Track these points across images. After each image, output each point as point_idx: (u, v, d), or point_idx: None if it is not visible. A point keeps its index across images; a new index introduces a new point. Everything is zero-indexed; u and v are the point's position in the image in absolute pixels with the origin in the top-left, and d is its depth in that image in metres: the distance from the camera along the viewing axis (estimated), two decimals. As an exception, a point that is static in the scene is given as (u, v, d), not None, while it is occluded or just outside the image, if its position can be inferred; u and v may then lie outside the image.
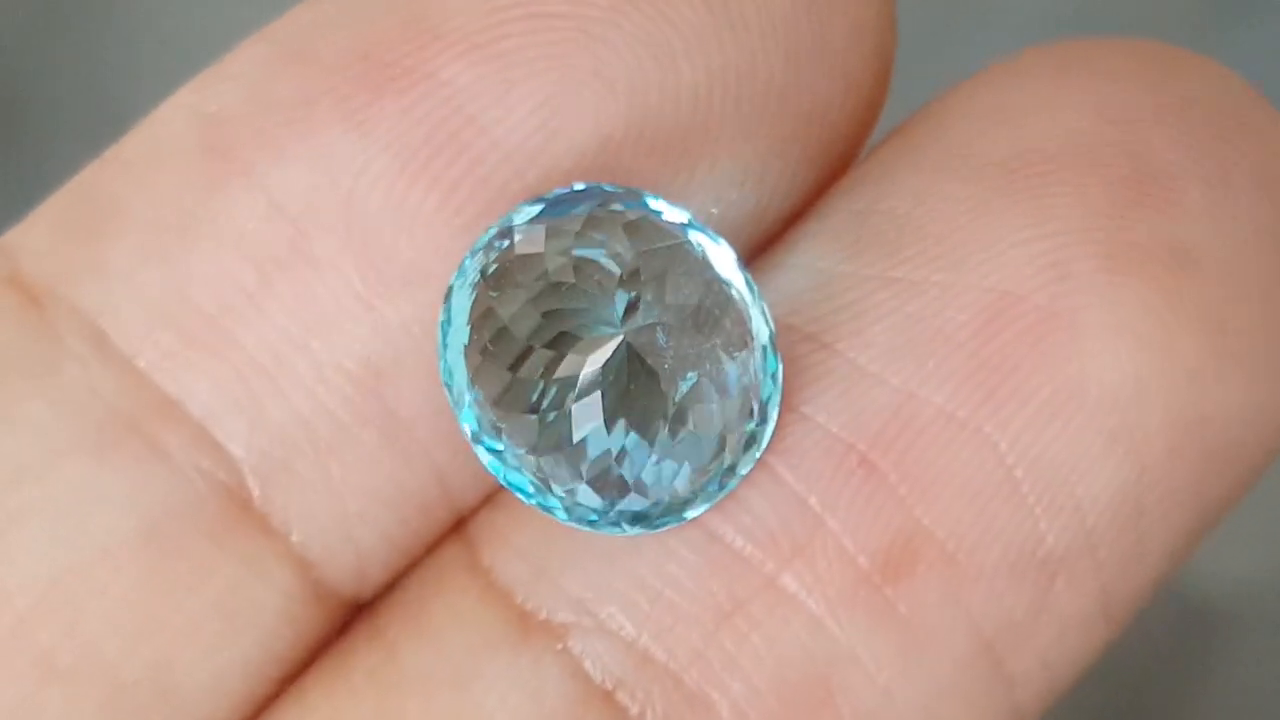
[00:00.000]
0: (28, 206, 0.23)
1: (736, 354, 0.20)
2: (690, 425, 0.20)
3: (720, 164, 0.21)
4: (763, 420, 0.21)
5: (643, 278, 0.20)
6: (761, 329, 0.20)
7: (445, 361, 0.21)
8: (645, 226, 0.20)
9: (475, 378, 0.20)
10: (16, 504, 0.21)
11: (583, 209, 0.20)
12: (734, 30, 0.21)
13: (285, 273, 0.21)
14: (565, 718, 0.21)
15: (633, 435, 0.20)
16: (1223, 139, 0.21)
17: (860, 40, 0.21)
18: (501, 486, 0.21)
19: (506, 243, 0.20)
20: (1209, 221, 0.21)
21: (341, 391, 0.21)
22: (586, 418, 0.20)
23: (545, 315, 0.20)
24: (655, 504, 0.21)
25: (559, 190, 0.21)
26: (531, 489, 0.21)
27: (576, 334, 0.20)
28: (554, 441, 0.20)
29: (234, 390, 0.21)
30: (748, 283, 0.21)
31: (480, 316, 0.20)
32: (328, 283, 0.21)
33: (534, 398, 0.20)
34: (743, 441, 0.21)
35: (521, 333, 0.20)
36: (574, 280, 0.20)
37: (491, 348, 0.20)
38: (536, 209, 0.20)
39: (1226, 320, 0.21)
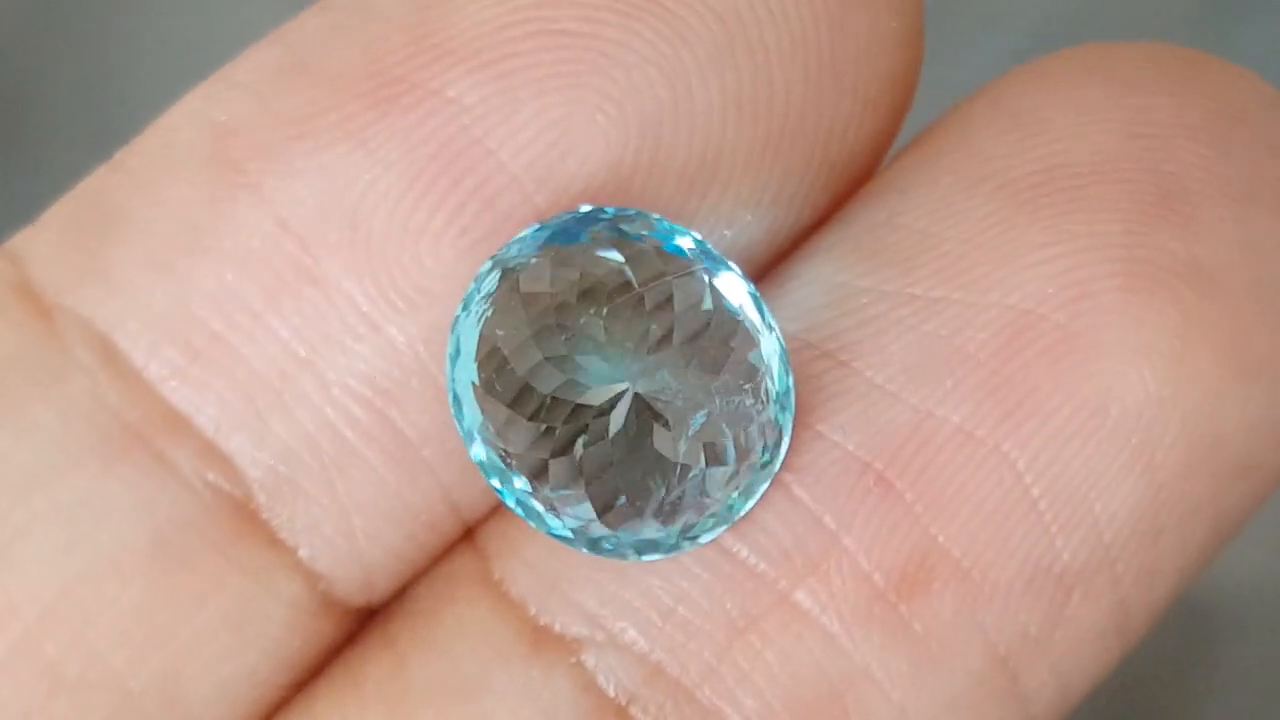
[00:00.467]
0: (27, 206, 0.22)
1: (746, 384, 0.20)
2: (702, 462, 0.20)
3: (734, 187, 0.21)
4: (776, 445, 0.21)
5: (648, 308, 0.20)
6: (773, 353, 0.20)
7: (454, 394, 0.20)
8: (650, 254, 0.20)
9: (484, 412, 0.20)
10: (24, 515, 0.21)
11: (587, 236, 0.20)
12: (750, 50, 0.21)
13: (291, 290, 0.21)
14: None
15: (644, 473, 0.20)
16: (1247, 156, 0.21)
17: (879, 59, 0.21)
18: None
19: (511, 274, 0.20)
20: (1230, 240, 0.21)
21: (347, 409, 0.21)
22: (596, 459, 0.20)
23: (550, 351, 0.20)
24: (668, 535, 0.20)
25: (564, 215, 0.20)
26: (543, 519, 0.21)
27: (584, 369, 0.20)
28: (564, 478, 0.20)
29: (240, 406, 0.21)
30: (758, 307, 0.20)
31: (487, 353, 0.20)
32: (333, 301, 0.21)
33: (543, 434, 0.20)
34: (756, 468, 0.21)
35: (527, 369, 0.20)
36: (579, 313, 0.20)
37: (499, 384, 0.20)
38: (543, 236, 0.20)
39: (1246, 339, 0.21)
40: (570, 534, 0.21)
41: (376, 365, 0.21)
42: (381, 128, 0.21)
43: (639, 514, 0.20)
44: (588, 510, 0.20)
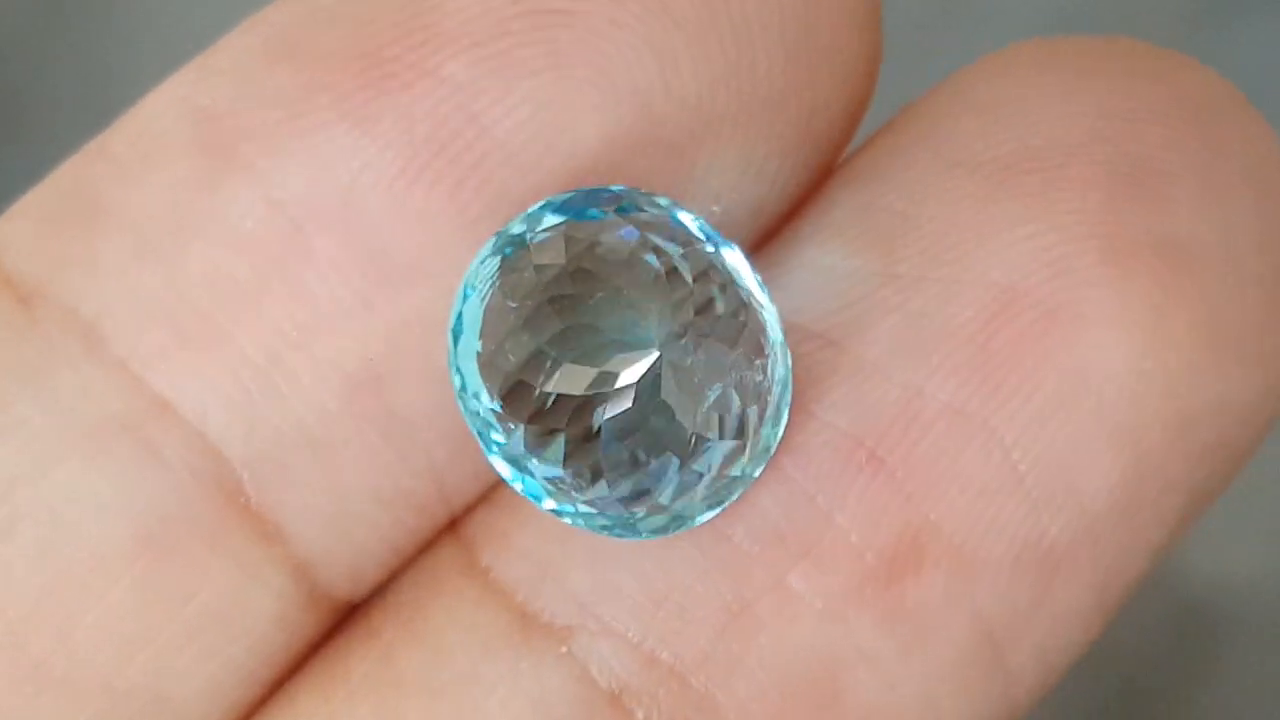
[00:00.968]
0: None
1: (757, 360, 0.20)
2: (714, 436, 0.20)
3: (721, 162, 0.21)
4: (776, 424, 0.21)
5: (665, 280, 0.20)
6: (776, 332, 0.20)
7: (457, 369, 0.20)
8: (663, 228, 0.20)
9: (491, 387, 0.20)
10: (8, 511, 0.21)
11: (596, 211, 0.20)
12: (735, 28, 0.21)
13: (282, 270, 0.21)
14: None
15: (657, 448, 0.20)
16: (1211, 137, 0.22)
17: (853, 36, 0.21)
18: (503, 486, 0.21)
19: (523, 248, 0.20)
20: (1201, 216, 0.21)
21: (339, 390, 0.21)
22: (611, 432, 0.20)
23: (567, 324, 0.20)
24: (673, 516, 0.20)
25: (568, 192, 0.20)
26: (546, 496, 0.20)
27: (598, 344, 0.20)
28: (574, 453, 0.20)
29: (229, 390, 0.21)
30: (761, 286, 0.20)
31: (496, 325, 0.20)
32: (326, 280, 0.21)
33: (552, 409, 0.20)
34: (759, 446, 0.21)
35: (540, 342, 0.20)
36: (595, 288, 0.20)
37: (510, 357, 0.20)
38: (549, 211, 0.20)
39: (1220, 312, 0.21)
40: (575, 512, 0.20)
41: (370, 344, 0.21)
42: (376, 107, 0.21)
43: (647, 493, 0.20)
44: (596, 485, 0.20)
